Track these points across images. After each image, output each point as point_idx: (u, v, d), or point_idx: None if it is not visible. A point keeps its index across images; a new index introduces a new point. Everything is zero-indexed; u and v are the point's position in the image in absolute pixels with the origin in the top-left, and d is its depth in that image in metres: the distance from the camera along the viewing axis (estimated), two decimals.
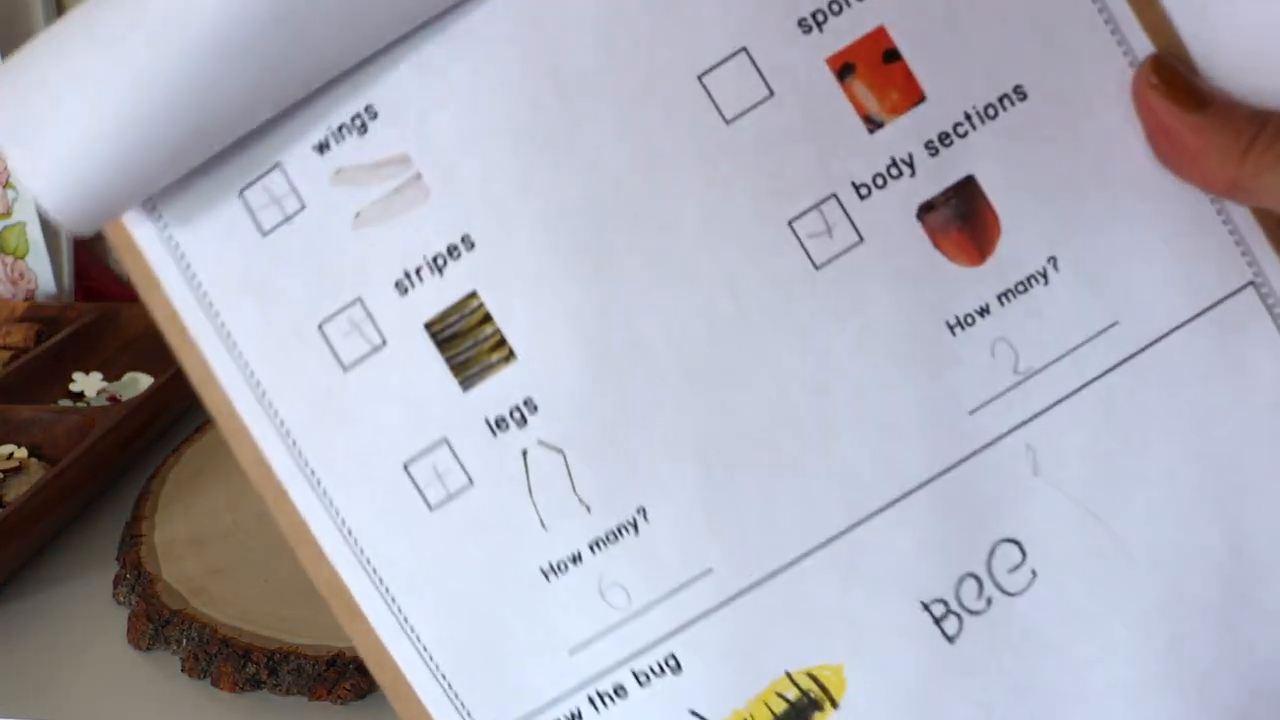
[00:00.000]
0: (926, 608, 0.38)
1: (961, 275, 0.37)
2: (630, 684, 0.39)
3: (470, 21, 0.36)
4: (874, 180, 0.36)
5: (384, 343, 0.38)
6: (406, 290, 0.37)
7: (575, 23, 0.36)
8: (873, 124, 0.36)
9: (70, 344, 1.00)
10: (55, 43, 0.34)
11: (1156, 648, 0.38)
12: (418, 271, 0.37)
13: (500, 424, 0.38)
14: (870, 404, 0.37)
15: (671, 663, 0.38)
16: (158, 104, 0.33)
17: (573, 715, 0.39)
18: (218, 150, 0.36)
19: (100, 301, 1.09)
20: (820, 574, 0.38)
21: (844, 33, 0.36)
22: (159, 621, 0.68)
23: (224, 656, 0.65)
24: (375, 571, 0.38)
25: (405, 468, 0.38)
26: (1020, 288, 0.37)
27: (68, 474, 0.81)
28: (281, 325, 0.38)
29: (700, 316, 0.37)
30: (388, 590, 0.39)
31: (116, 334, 1.03)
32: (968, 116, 0.36)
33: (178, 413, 0.92)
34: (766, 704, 0.39)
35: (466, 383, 0.38)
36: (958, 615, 0.38)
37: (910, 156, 0.36)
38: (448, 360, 0.38)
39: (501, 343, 0.37)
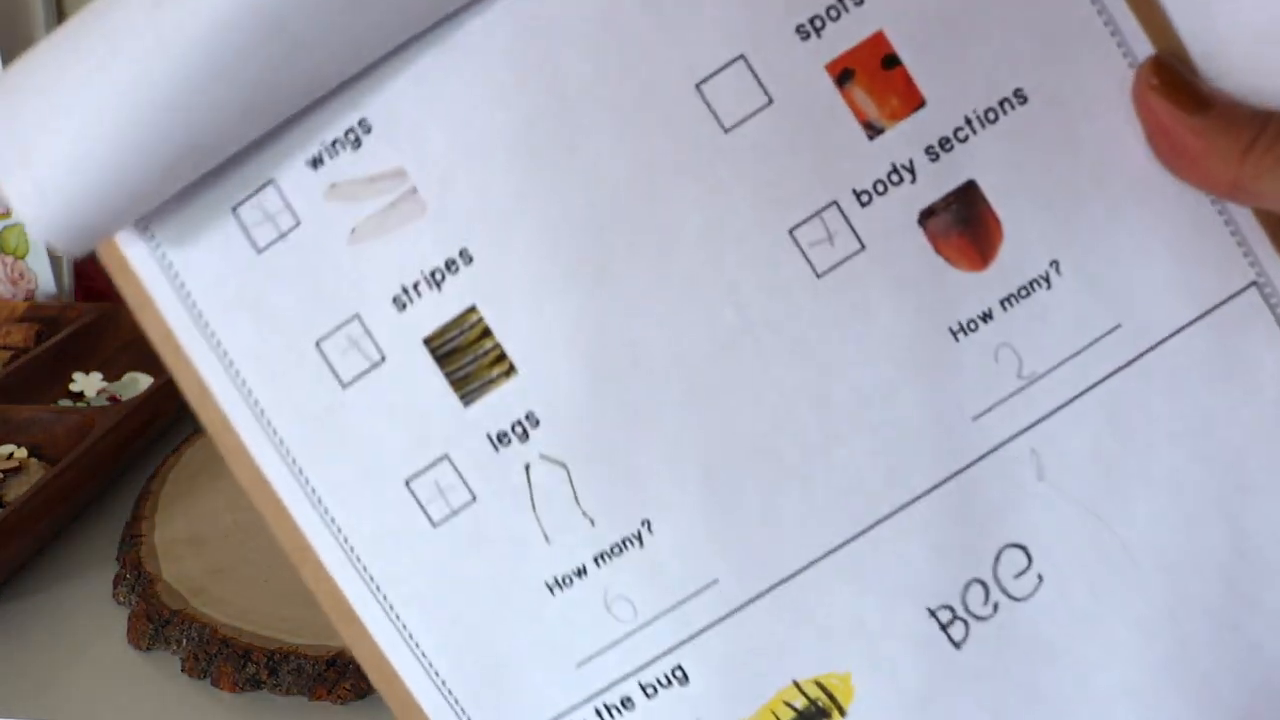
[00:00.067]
0: (933, 614, 0.36)
1: (964, 281, 0.35)
2: (637, 696, 0.37)
3: (465, 33, 0.34)
4: (875, 187, 0.35)
5: (383, 359, 0.36)
6: (405, 306, 0.35)
7: (571, 33, 0.34)
8: (873, 130, 0.35)
9: (70, 344, 0.98)
10: (43, 64, 0.32)
11: (1162, 650, 0.36)
12: (415, 287, 0.35)
13: (502, 439, 0.36)
14: (874, 411, 0.36)
15: (679, 674, 0.37)
16: (148, 125, 0.32)
17: None
18: (210, 168, 0.34)
19: (100, 301, 1.07)
20: (826, 583, 0.36)
21: (843, 38, 0.34)
22: (159, 621, 0.67)
23: (224, 656, 0.63)
24: (379, 589, 0.37)
25: (407, 484, 0.36)
26: (1023, 292, 0.35)
27: (68, 474, 0.79)
28: (278, 343, 0.36)
29: (701, 327, 0.35)
30: (392, 607, 0.37)
31: (116, 334, 1.01)
32: (968, 121, 0.35)
33: (178, 413, 0.90)
34: (774, 713, 0.37)
35: (467, 398, 0.36)
36: (964, 621, 0.36)
37: (911, 162, 0.35)
38: (448, 376, 0.36)
39: (502, 357, 0.36)
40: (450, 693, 0.37)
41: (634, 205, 0.35)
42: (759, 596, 0.36)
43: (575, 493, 0.36)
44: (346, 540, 0.37)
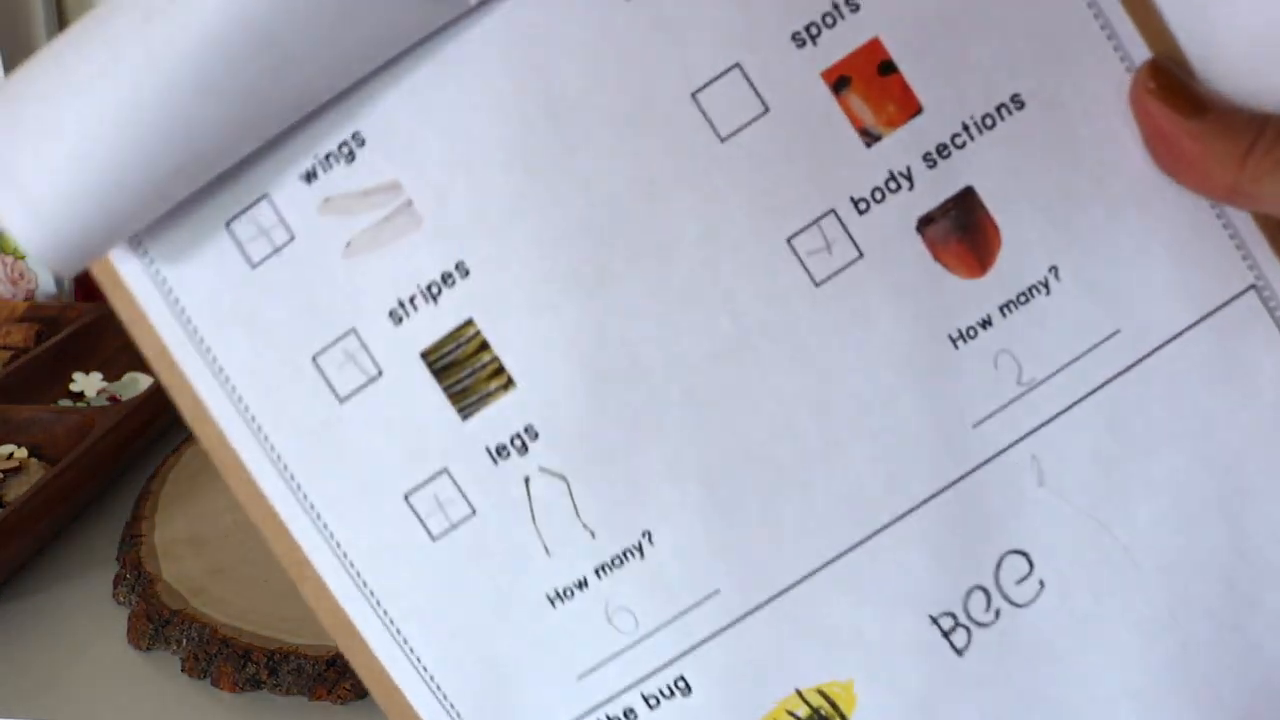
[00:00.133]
0: (935, 621, 0.35)
1: (963, 287, 0.34)
2: (640, 707, 0.36)
3: (458, 45, 0.33)
4: (872, 194, 0.34)
5: (380, 373, 0.34)
6: (401, 319, 0.34)
7: (566, 43, 0.33)
8: (870, 137, 0.33)
9: (70, 344, 0.96)
10: (33, 82, 0.31)
11: (1164, 653, 0.35)
12: (412, 300, 0.34)
13: (501, 452, 0.35)
14: (874, 420, 0.34)
15: (681, 684, 0.36)
16: (140, 141, 0.30)
17: None
18: (203, 184, 0.32)
19: (100, 301, 1.05)
20: (828, 591, 0.35)
21: (838, 45, 0.33)
22: (159, 621, 0.65)
23: (224, 656, 0.61)
24: (379, 603, 0.35)
25: (406, 498, 0.35)
26: (1022, 298, 0.34)
27: (68, 474, 0.77)
28: (274, 358, 0.34)
29: (700, 337, 0.34)
30: (392, 621, 0.36)
31: (116, 334, 0.97)
32: (965, 127, 0.33)
33: (178, 413, 0.88)
34: None
35: (465, 411, 0.34)
36: (966, 628, 0.35)
37: (908, 169, 0.33)
38: (445, 389, 0.34)
39: (500, 370, 0.34)
40: (452, 706, 0.36)
41: (631, 216, 0.34)
42: (761, 606, 0.35)
43: (575, 505, 0.35)
44: (345, 555, 0.35)
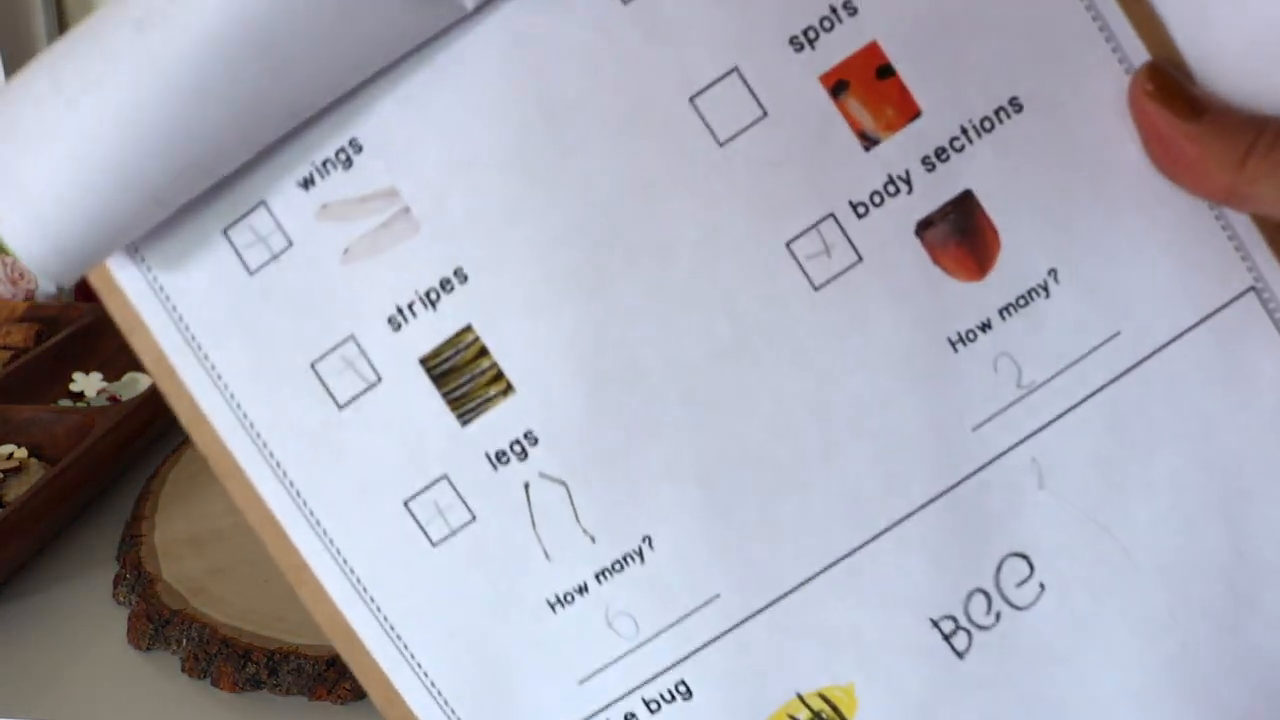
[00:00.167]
0: (936, 625, 0.35)
1: (962, 291, 0.33)
2: (641, 712, 0.35)
3: (454, 51, 0.32)
4: (871, 198, 0.33)
5: (379, 380, 0.34)
6: (400, 326, 0.33)
7: (563, 48, 0.32)
8: (868, 141, 0.33)
9: (70, 344, 0.95)
10: (26, 91, 0.30)
11: (1164, 654, 0.35)
12: (410, 306, 0.33)
13: (501, 458, 0.34)
14: (873, 423, 0.34)
15: (682, 689, 0.35)
16: (137, 150, 0.29)
17: None
18: (200, 191, 0.32)
19: (100, 302, 1.04)
20: (828, 595, 0.35)
21: (837, 49, 0.32)
22: (159, 621, 0.64)
23: (224, 656, 0.61)
24: (379, 609, 0.35)
25: (406, 505, 0.34)
26: (1021, 301, 0.33)
27: (68, 474, 0.76)
28: (273, 365, 0.34)
29: (699, 341, 0.33)
30: (393, 627, 0.35)
31: (116, 334, 0.96)
32: (964, 130, 0.33)
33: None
34: None
35: (465, 417, 0.34)
36: (967, 631, 0.35)
37: (907, 173, 0.33)
38: (445, 395, 0.34)
39: (499, 375, 0.34)
40: (452, 711, 0.35)
41: (629, 220, 0.33)
42: (761, 610, 0.35)
43: (575, 510, 0.34)
44: (345, 561, 0.35)
